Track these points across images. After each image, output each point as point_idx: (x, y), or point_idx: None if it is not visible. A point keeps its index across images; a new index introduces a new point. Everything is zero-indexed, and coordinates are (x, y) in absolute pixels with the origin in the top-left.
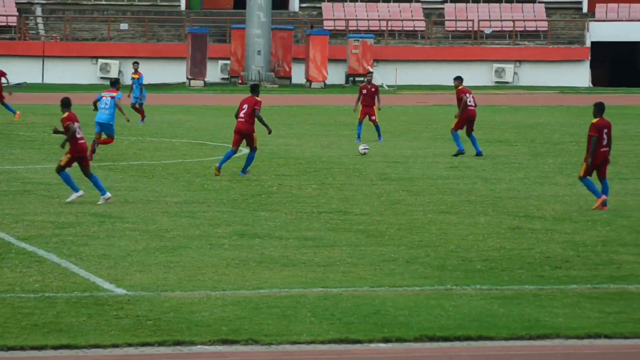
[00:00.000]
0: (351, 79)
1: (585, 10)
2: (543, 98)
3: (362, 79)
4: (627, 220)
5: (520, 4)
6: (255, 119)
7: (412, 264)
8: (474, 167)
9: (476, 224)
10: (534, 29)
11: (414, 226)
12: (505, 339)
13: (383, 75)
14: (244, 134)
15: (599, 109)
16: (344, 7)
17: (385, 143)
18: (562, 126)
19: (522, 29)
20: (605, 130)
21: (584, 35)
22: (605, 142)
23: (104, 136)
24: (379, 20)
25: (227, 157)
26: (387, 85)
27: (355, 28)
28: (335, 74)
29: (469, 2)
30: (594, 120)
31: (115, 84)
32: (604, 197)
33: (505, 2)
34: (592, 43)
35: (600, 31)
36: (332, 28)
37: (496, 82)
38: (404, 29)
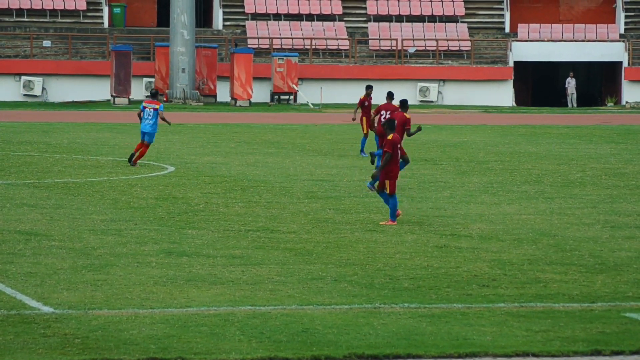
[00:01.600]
0: (276, 97)
1: (507, 30)
2: (467, 117)
3: (286, 97)
4: (552, 239)
5: (443, 24)
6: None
7: (340, 282)
8: (400, 185)
9: (403, 243)
10: (457, 48)
11: (342, 244)
12: (434, 357)
13: (308, 94)
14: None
15: (392, 125)
16: (267, 25)
17: (312, 161)
18: (486, 145)
19: (446, 48)
20: (399, 146)
21: (506, 55)
22: (397, 157)
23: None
24: (303, 38)
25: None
26: (312, 104)
27: (279, 46)
28: (260, 92)
29: (392, 22)
30: (390, 137)
31: (155, 95)
32: (399, 212)
33: (429, 21)
34: (515, 63)
35: (522, 51)
36: (257, 46)
37: (420, 101)
38: (328, 47)
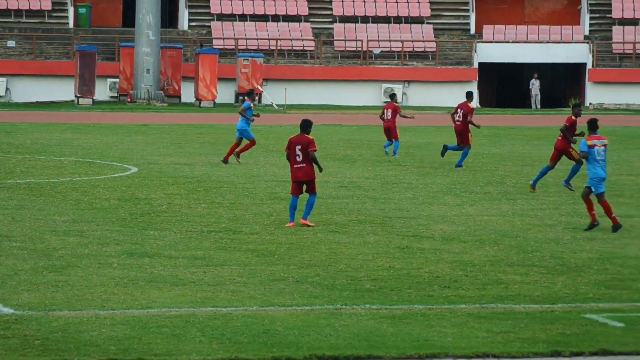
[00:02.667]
0: (241, 97)
1: (472, 31)
2: (431, 118)
3: None
4: (514, 240)
5: (408, 25)
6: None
7: (302, 283)
8: (363, 186)
9: (365, 244)
10: (423, 49)
11: (304, 245)
12: (394, 359)
13: (272, 95)
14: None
15: (300, 125)
16: (233, 26)
17: (275, 162)
18: None
19: (411, 49)
20: (299, 147)
21: (471, 56)
22: (299, 159)
23: (245, 142)
24: (269, 39)
25: (543, 173)
26: (277, 105)
27: (244, 47)
28: (225, 93)
29: (358, 23)
30: (292, 137)
31: (250, 94)
32: (292, 224)
33: (394, 22)
34: (480, 64)
35: (487, 52)
36: (222, 47)
37: (385, 102)
38: (294, 48)
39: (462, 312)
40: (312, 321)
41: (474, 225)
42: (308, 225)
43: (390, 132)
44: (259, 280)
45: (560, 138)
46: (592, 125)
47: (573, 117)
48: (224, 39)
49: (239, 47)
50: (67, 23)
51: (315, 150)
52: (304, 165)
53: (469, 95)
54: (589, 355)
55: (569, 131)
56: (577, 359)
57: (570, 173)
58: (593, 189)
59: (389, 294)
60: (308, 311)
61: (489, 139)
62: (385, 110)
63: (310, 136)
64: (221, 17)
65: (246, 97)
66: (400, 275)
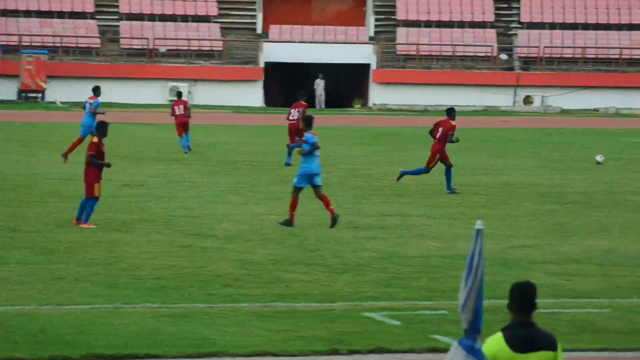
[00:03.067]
0: (24, 94)
1: (259, 31)
2: (218, 117)
3: (34, 95)
4: (297, 239)
5: (195, 24)
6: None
7: (81, 282)
8: (148, 185)
9: (149, 242)
10: (209, 48)
11: (85, 244)
12: (173, 357)
13: (57, 92)
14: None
15: (99, 128)
16: (17, 22)
17: (59, 159)
18: (237, 145)
19: (198, 48)
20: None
21: (257, 55)
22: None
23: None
24: (53, 36)
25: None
26: (61, 102)
27: (28, 43)
28: (7, 90)
29: (144, 21)
30: (94, 139)
31: (95, 90)
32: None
33: (181, 21)
34: (266, 64)
35: (273, 52)
36: (5, 43)
37: (170, 100)
38: (79, 45)
39: (244, 310)
40: (91, 320)
41: (258, 224)
42: (89, 227)
43: (185, 127)
44: (38, 278)
45: (435, 142)
46: (310, 122)
47: (452, 122)
48: (7, 35)
49: (23, 44)
50: None
51: (92, 154)
52: (86, 167)
53: (303, 95)
54: (366, 353)
55: (448, 136)
56: (355, 356)
57: (447, 179)
58: (296, 181)
59: (171, 293)
60: (87, 310)
61: (275, 139)
62: (176, 107)
63: (96, 139)
64: (5, 13)
65: (93, 94)
66: (182, 274)
